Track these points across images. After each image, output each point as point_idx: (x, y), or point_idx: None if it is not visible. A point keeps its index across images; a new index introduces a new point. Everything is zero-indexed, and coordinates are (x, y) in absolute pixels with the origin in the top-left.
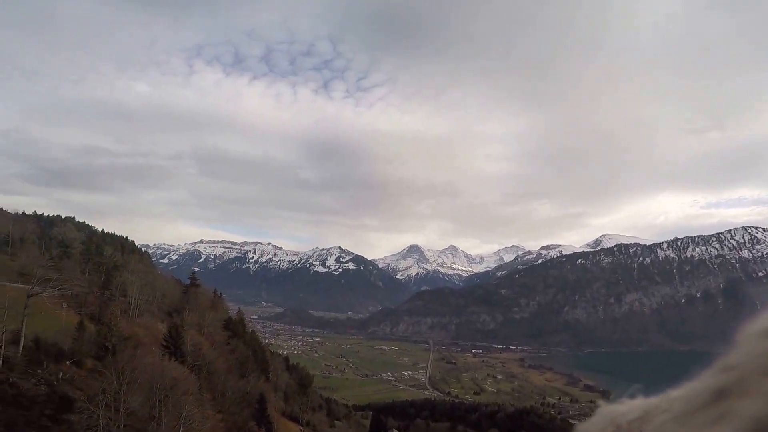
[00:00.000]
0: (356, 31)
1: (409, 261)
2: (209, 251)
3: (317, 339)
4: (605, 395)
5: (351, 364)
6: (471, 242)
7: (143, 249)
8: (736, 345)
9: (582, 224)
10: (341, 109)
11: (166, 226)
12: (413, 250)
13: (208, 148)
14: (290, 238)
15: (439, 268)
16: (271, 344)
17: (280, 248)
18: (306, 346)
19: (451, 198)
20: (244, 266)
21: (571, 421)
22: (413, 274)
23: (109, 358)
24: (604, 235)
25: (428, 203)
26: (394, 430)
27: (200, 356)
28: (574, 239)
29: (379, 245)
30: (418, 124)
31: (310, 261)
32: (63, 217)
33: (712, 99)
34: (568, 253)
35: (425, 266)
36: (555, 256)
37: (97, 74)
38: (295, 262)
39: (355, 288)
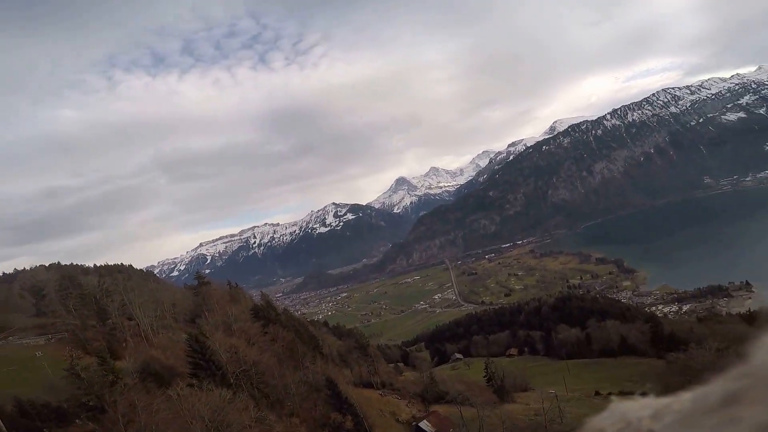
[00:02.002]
0: (278, 1)
1: (400, 193)
2: (212, 251)
3: (344, 294)
4: (619, 263)
5: (384, 306)
6: (448, 159)
7: (148, 270)
8: (748, 354)
9: (533, 117)
10: (288, 77)
11: (165, 241)
12: (401, 182)
13: (167, 153)
14: (284, 211)
15: (428, 191)
16: (305, 314)
17: (278, 224)
18: (336, 304)
19: (417, 126)
20: (251, 252)
21: (609, 296)
22: (408, 204)
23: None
24: (556, 121)
25: (399, 137)
26: (456, 354)
27: (240, 361)
28: (532, 131)
29: (369, 188)
30: (366, 70)
31: (310, 225)
32: (47, 265)
33: None
34: (532, 144)
35: (416, 193)
36: (522, 150)
37: (15, 113)
38: (296, 231)
39: (361, 235)
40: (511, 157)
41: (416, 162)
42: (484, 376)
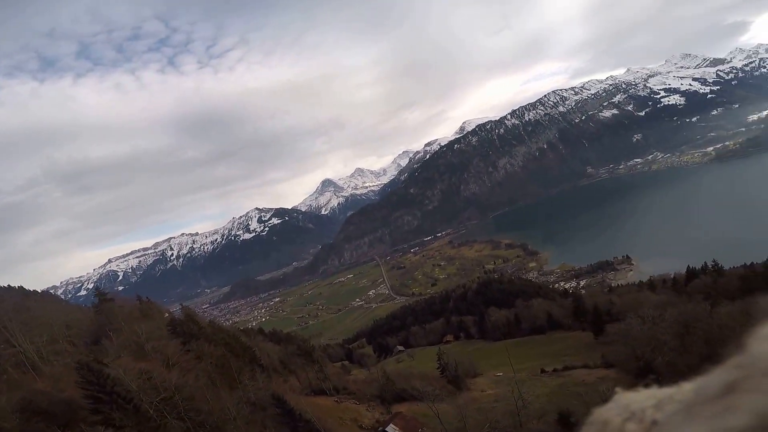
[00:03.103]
0: (191, 4)
1: (327, 195)
2: (124, 266)
3: (277, 299)
4: (524, 247)
5: (321, 307)
6: (371, 160)
7: (47, 291)
8: (746, 345)
9: (447, 118)
10: (200, 81)
11: (67, 259)
12: (326, 184)
13: (61, 163)
14: (203, 219)
15: (354, 191)
16: (237, 323)
17: (197, 233)
18: (270, 309)
19: (341, 129)
20: (169, 265)
21: (522, 277)
22: (335, 205)
23: None
24: (465, 122)
25: (323, 140)
26: (398, 346)
27: (158, 388)
28: (445, 131)
29: (294, 192)
30: (287, 74)
31: (233, 232)
32: None
33: (498, 7)
34: (445, 143)
35: (342, 194)
36: (437, 149)
37: None
38: (218, 239)
39: (289, 239)
40: (427, 156)
41: (341, 164)
42: (437, 368)
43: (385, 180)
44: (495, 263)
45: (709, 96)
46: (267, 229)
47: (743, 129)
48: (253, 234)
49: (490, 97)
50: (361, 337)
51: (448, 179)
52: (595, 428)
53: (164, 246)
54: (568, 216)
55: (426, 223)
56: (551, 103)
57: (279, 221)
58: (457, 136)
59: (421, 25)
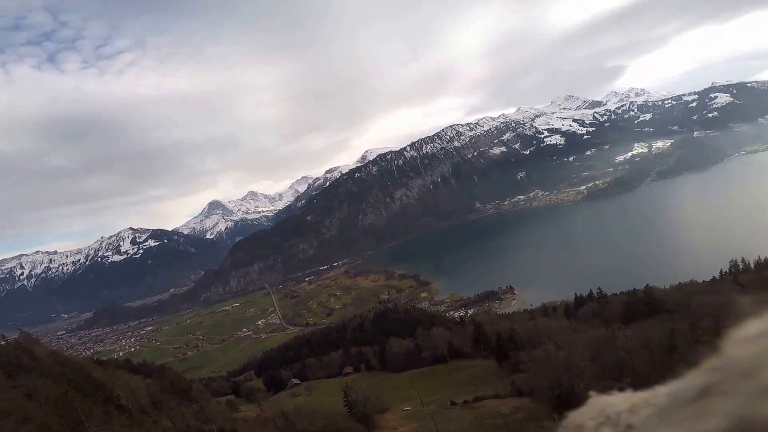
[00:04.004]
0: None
1: (214, 218)
2: None
3: (149, 328)
4: (417, 278)
5: (201, 337)
6: (266, 184)
7: None
8: (720, 349)
9: (350, 146)
10: (81, 81)
11: None
12: (214, 206)
13: None
14: (65, 237)
15: (245, 215)
16: (99, 352)
17: (55, 252)
18: (141, 339)
19: (235, 148)
20: (17, 285)
21: (417, 306)
22: (222, 230)
23: None
24: (367, 151)
25: (213, 158)
26: (293, 379)
27: None
28: (347, 159)
29: (178, 212)
30: (182, 84)
31: (101, 253)
32: None
33: (407, 39)
34: (346, 171)
35: (232, 218)
36: (338, 176)
37: None
38: (82, 260)
39: (166, 263)
40: (327, 183)
41: (232, 186)
42: (344, 405)
43: (280, 205)
44: (389, 293)
45: (585, 137)
46: (141, 251)
47: (611, 169)
48: (125, 256)
49: (393, 128)
50: (249, 369)
51: (347, 208)
52: None
53: (13, 264)
54: (458, 248)
55: (322, 252)
56: (448, 137)
57: (156, 243)
58: (359, 165)
59: (331, 50)
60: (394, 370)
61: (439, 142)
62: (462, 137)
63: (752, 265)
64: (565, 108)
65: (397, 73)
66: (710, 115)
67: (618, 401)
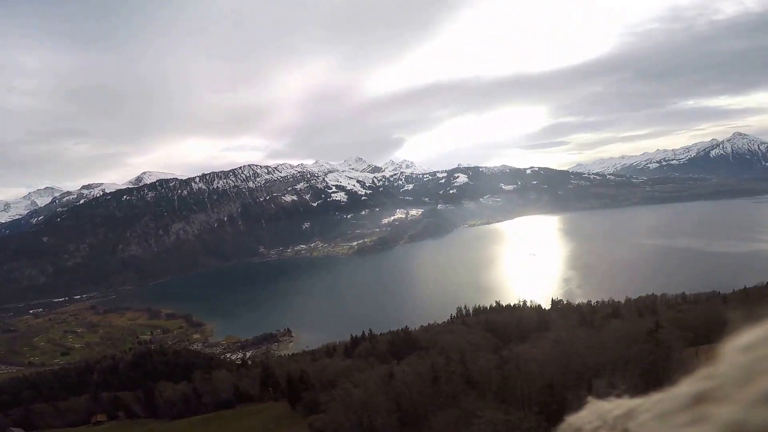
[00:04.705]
0: None
1: None
2: None
3: None
4: (188, 318)
5: None
6: None
7: None
8: (717, 356)
9: (123, 163)
10: None
11: None
12: None
13: None
14: None
15: None
16: None
17: None
18: None
19: None
20: None
21: (191, 348)
22: None
23: None
24: (145, 173)
25: None
26: (13, 428)
27: None
28: (115, 177)
29: None
30: None
31: None
32: None
33: (233, 69)
34: (112, 191)
35: None
36: (98, 195)
37: None
38: None
39: None
40: (82, 201)
41: None
42: None
43: (4, 218)
44: (153, 333)
45: (363, 198)
46: None
47: (378, 229)
48: None
49: (185, 154)
50: None
51: (105, 234)
52: None
53: None
54: (237, 290)
55: (60, 281)
56: (244, 176)
57: None
58: (131, 186)
59: (136, 52)
60: (168, 418)
61: (233, 179)
62: (258, 179)
63: (471, 311)
64: (353, 168)
65: (208, 100)
66: (451, 191)
67: (615, 406)
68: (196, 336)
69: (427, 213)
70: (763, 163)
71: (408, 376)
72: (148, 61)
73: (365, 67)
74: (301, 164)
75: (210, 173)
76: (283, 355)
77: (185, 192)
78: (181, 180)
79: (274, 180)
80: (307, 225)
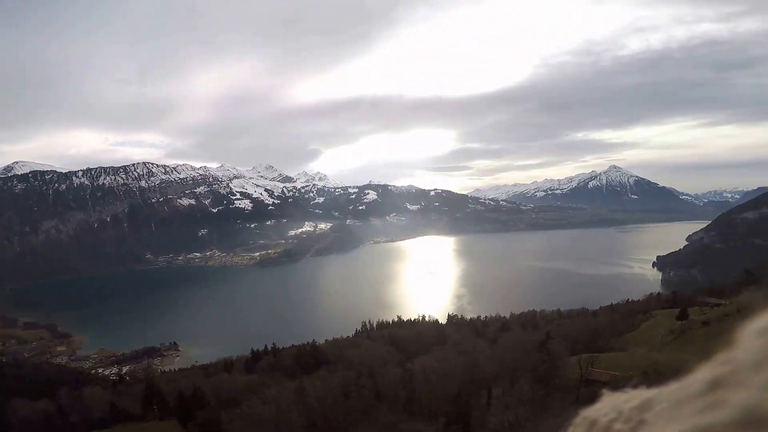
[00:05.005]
0: None
1: None
2: None
3: None
4: (52, 328)
5: None
6: None
7: None
8: (732, 341)
9: None
10: None
11: None
12: None
13: None
14: None
15: None
16: None
17: None
18: None
19: None
20: None
21: (54, 362)
22: None
23: None
24: (17, 162)
25: None
26: None
27: None
28: None
29: None
30: None
31: None
32: None
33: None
34: None
35: None
36: None
37: None
38: None
39: None
40: None
41: None
42: None
43: None
44: (6, 344)
45: (270, 207)
46: None
47: (283, 241)
48: None
49: (69, 145)
50: None
51: None
52: (582, 429)
53: None
54: (114, 298)
55: None
56: (136, 174)
57: None
58: None
59: (26, 27)
60: None
61: (123, 176)
62: (153, 178)
63: (375, 325)
64: (262, 176)
65: (109, 90)
66: (361, 207)
67: (630, 397)
68: (60, 348)
69: (336, 227)
70: (630, 195)
71: (320, 391)
72: (39, 39)
73: (292, 73)
74: (204, 167)
75: (96, 168)
76: (168, 370)
77: (63, 186)
78: (60, 173)
79: (171, 181)
80: (204, 232)
